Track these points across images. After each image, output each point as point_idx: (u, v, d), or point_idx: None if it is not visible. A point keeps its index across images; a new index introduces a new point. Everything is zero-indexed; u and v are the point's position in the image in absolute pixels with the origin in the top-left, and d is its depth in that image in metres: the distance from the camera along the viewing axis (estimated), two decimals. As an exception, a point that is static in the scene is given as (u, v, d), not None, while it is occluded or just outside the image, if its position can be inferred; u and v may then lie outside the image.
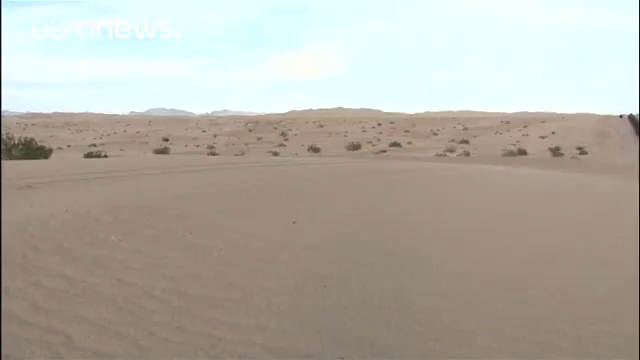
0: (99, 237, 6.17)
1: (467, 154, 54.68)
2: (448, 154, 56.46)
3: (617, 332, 4.04)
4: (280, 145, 79.80)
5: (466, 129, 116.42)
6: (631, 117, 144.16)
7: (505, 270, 5.56)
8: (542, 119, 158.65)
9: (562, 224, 8.49)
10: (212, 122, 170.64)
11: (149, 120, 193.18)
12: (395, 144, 75.08)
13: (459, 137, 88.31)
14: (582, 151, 58.48)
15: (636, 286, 5.05)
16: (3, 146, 26.44)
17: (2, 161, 18.03)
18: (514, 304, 4.55)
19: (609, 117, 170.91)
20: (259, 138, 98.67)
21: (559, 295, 4.83)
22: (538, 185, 14.95)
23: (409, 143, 79.79)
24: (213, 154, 53.97)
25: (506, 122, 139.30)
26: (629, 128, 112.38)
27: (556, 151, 56.44)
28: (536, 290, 4.93)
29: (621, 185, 16.14)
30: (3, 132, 28.89)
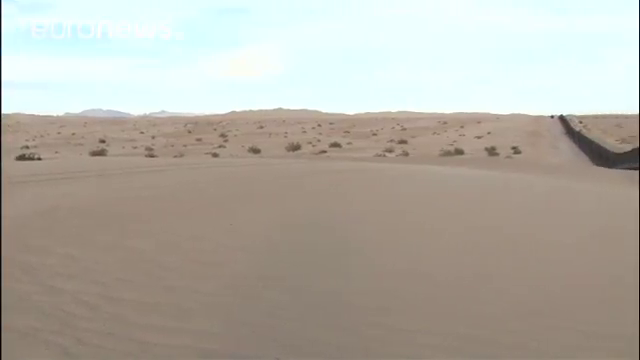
0: (29, 242, 5.96)
1: (406, 154, 55.45)
2: (387, 154, 57.09)
3: (565, 327, 4.13)
4: (220, 146, 79.05)
5: (404, 129, 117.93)
6: (562, 117, 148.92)
7: (447, 269, 5.61)
8: (478, 119, 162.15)
9: (502, 223, 8.65)
10: (150, 123, 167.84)
11: (84, 121, 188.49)
12: (335, 144, 75.43)
13: (398, 137, 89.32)
14: (516, 150, 60.09)
15: (576, 283, 5.20)
16: None
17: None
18: (456, 302, 4.59)
19: (541, 117, 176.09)
20: (198, 139, 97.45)
21: (501, 293, 4.90)
22: (476, 184, 15.22)
23: (349, 143, 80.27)
24: (151, 156, 53.05)
25: (443, 122, 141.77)
26: (560, 128, 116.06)
27: (492, 151, 57.85)
28: (478, 288, 5.00)
29: (554, 184, 16.61)
30: None
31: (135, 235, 6.39)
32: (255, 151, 65.23)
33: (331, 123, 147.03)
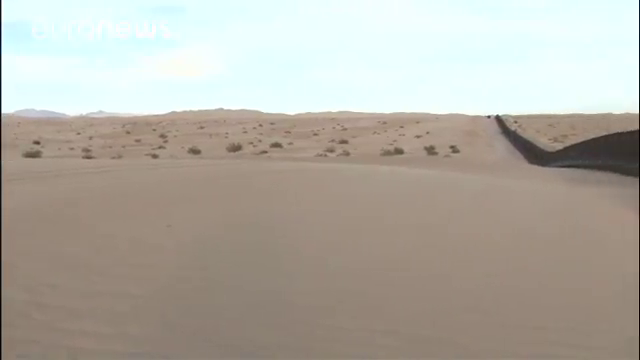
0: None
1: (347, 154, 55.77)
2: (328, 154, 57.34)
3: (499, 322, 4.18)
4: (159, 147, 77.87)
5: (345, 129, 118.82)
6: (498, 117, 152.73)
7: (386, 268, 5.64)
8: (417, 119, 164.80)
9: (438, 221, 8.77)
10: (87, 123, 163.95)
11: (18, 122, 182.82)
12: (276, 145, 75.36)
13: (338, 137, 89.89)
14: (454, 149, 61.30)
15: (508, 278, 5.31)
16: None
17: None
18: (394, 301, 4.60)
19: (478, 117, 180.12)
20: (137, 140, 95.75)
21: (437, 290, 4.95)
22: (416, 183, 15.42)
23: (290, 144, 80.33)
24: (89, 157, 51.84)
25: (383, 122, 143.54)
26: (496, 128, 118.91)
27: (431, 150, 58.84)
28: (415, 286, 5.03)
29: (490, 182, 16.98)
30: None
31: (69, 238, 6.21)
32: (195, 152, 64.53)
33: (272, 123, 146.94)
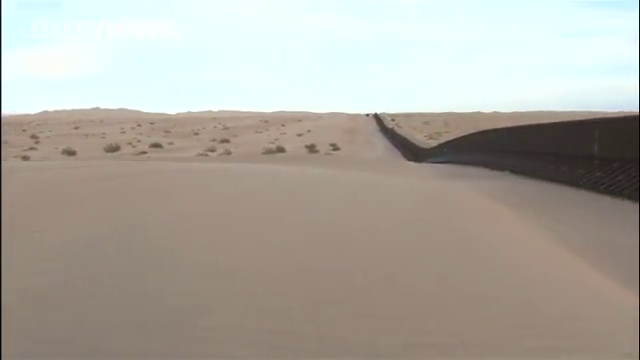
0: None
1: (228, 153, 55.50)
2: (210, 154, 56.82)
3: (366, 313, 4.28)
4: (31, 148, 73.97)
5: (227, 128, 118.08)
6: (376, 116, 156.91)
7: (262, 266, 5.65)
8: (299, 118, 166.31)
9: (316, 218, 8.91)
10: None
11: None
12: (156, 145, 73.67)
13: (220, 136, 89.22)
14: (335, 147, 62.53)
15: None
16: None
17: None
18: (267, 299, 4.62)
19: (358, 116, 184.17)
20: (5, 142, 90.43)
21: (309, 285, 5.02)
22: (296, 181, 15.68)
23: (170, 144, 78.76)
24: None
25: (265, 121, 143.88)
26: (374, 126, 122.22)
27: (312, 148, 59.71)
28: (297, 283, 5.08)
29: (368, 178, 17.53)
30: None
31: None
32: (70, 153, 61.86)
33: (152, 123, 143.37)
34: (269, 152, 52.95)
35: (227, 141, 79.15)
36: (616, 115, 29.62)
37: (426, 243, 7.07)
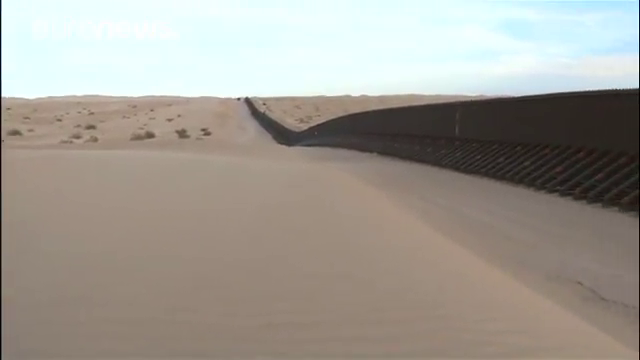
0: None
1: (95, 140, 53.26)
2: (75, 140, 54.26)
3: (221, 297, 4.32)
4: None
5: (92, 114, 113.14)
6: (247, 100, 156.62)
7: (132, 254, 5.55)
8: (168, 102, 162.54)
9: (188, 203, 8.83)
10: None
11: None
12: (15, 132, 69.29)
13: (85, 122, 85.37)
14: (206, 132, 61.70)
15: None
16: None
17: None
18: (128, 288, 4.54)
19: (229, 100, 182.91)
20: None
21: (162, 274, 4.97)
22: (165, 167, 15.33)
23: (30, 130, 74.33)
24: None
25: (133, 106, 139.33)
26: (246, 110, 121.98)
27: (182, 133, 58.53)
28: (160, 271, 5.02)
29: (238, 162, 17.46)
30: None
31: None
32: None
33: (8, 109, 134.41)
34: (138, 138, 51.29)
35: (93, 127, 75.82)
36: (475, 99, 31.50)
37: (289, 225, 7.17)
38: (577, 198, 12.38)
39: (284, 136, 58.06)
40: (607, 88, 14.52)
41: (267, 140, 59.10)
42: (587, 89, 15.24)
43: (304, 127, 61.23)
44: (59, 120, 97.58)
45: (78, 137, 59.19)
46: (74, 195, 9.43)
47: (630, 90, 13.53)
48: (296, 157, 24.41)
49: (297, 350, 3.47)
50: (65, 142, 50.75)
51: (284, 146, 42.08)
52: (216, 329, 3.73)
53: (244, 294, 4.41)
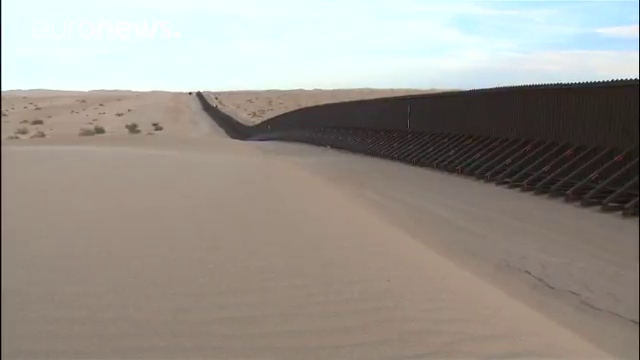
0: None
1: (42, 135, 51.96)
2: (20, 136, 52.85)
3: (178, 293, 4.28)
4: None
5: (39, 109, 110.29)
6: (199, 94, 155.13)
7: (75, 252, 5.45)
8: (118, 97, 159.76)
9: (130, 199, 8.71)
10: None
11: None
12: (-44, 128, 67.27)
13: (32, 117, 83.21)
14: (157, 127, 60.75)
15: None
16: None
17: None
18: (71, 286, 4.47)
19: (181, 94, 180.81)
20: None
21: (108, 271, 4.92)
22: (112, 163, 15.06)
23: (-26, 126, 72.27)
24: None
25: (82, 101, 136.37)
26: (199, 104, 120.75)
27: (133, 128, 57.55)
28: (100, 265, 4.96)
29: (188, 157, 17.26)
30: None
31: None
32: None
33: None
34: (87, 133, 50.15)
35: (40, 122, 73.98)
36: (426, 93, 31.83)
37: (240, 220, 7.11)
38: (525, 189, 12.65)
39: (237, 130, 57.61)
40: (554, 82, 14.89)
41: (220, 135, 58.53)
42: (535, 83, 15.57)
43: (257, 121, 60.94)
44: (4, 115, 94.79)
45: (24, 132, 57.63)
46: (20, 193, 9.18)
47: (575, 84, 13.88)
48: (249, 151, 24.27)
49: (248, 344, 3.44)
50: (11, 138, 49.38)
51: (238, 140, 41.75)
52: (166, 326, 3.67)
53: (195, 290, 4.36)
